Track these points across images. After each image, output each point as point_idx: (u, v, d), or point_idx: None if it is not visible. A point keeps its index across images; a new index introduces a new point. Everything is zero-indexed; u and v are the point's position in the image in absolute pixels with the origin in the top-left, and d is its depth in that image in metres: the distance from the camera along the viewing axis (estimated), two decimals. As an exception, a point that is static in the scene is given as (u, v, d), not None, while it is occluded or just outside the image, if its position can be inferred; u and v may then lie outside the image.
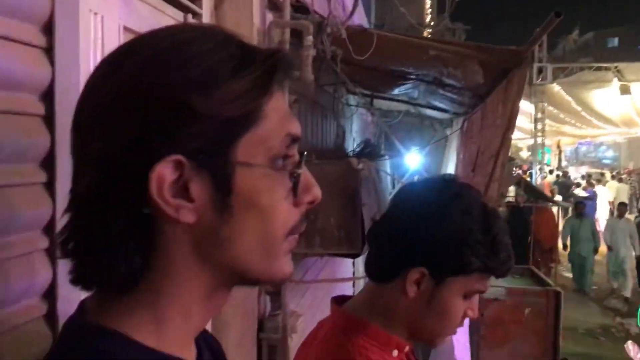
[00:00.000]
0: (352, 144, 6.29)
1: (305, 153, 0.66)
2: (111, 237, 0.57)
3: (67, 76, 1.03)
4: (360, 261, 5.43)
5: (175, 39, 0.60)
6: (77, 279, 0.60)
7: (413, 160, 7.37)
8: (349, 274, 4.97)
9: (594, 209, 12.84)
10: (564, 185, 15.61)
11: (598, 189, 15.00)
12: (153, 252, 0.59)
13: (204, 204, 0.58)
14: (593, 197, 13.61)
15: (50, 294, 1.04)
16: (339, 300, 1.15)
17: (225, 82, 0.58)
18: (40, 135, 1.01)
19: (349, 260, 4.78)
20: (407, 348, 1.09)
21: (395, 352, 1.06)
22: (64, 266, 1.03)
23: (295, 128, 0.63)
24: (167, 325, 0.61)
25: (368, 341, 1.04)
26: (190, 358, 0.65)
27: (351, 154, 4.75)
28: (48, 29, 1.01)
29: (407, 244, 1.04)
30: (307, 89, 3.26)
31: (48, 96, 1.02)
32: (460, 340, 4.46)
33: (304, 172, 0.64)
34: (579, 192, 14.02)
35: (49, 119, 1.02)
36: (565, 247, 10.43)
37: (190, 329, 0.64)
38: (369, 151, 5.29)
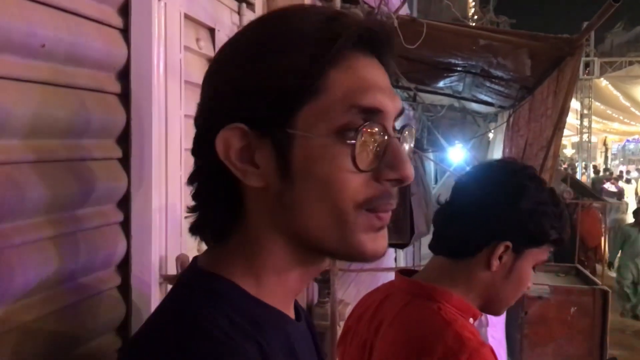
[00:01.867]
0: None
1: (398, 128, 0.66)
2: (207, 194, 0.66)
3: (141, 56, 1.07)
4: (402, 252, 5.42)
5: (264, 19, 0.68)
6: (191, 229, 0.69)
7: (456, 155, 7.31)
8: (392, 265, 4.96)
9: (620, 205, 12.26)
10: (598, 180, 15.18)
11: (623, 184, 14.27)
12: (242, 211, 0.66)
13: (269, 171, 0.62)
14: (621, 193, 13.08)
15: (124, 266, 1.08)
16: (405, 274, 1.22)
17: (284, 56, 0.61)
18: (117, 113, 1.05)
19: (391, 251, 4.77)
20: (478, 318, 1.16)
21: (471, 320, 1.13)
22: (137, 240, 1.10)
23: (370, 99, 0.63)
24: (264, 280, 0.66)
25: (450, 307, 1.09)
26: (288, 311, 0.69)
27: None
28: (124, 10, 1.05)
29: (491, 221, 1.10)
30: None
31: (124, 75, 1.06)
32: (496, 336, 4.39)
33: (393, 148, 0.64)
34: (608, 186, 13.47)
35: (125, 97, 1.06)
36: (611, 265, 8.98)
37: (286, 291, 0.68)
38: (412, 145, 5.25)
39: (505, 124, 5.91)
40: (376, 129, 0.63)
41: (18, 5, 0.81)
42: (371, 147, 0.63)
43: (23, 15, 0.81)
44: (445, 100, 6.90)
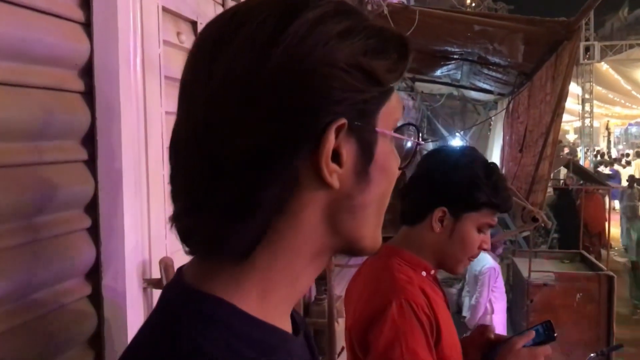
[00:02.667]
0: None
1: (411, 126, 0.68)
2: (254, 202, 0.55)
3: (105, 52, 1.01)
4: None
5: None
6: (196, 247, 0.58)
7: (456, 144, 7.23)
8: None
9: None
10: (596, 164, 15.07)
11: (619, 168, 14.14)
12: (279, 217, 0.58)
13: (349, 170, 0.59)
14: (615, 176, 13.00)
15: (94, 274, 1.02)
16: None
17: (388, 53, 0.59)
18: (81, 112, 0.99)
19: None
20: (433, 271, 1.38)
21: (423, 273, 1.35)
22: (107, 246, 1.04)
23: (403, 103, 0.65)
24: (273, 293, 0.60)
25: (402, 262, 1.33)
26: (288, 327, 0.64)
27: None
28: (86, 3, 0.99)
29: (430, 190, 1.36)
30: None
31: (88, 72, 1.00)
32: (499, 323, 4.38)
33: (401, 144, 0.65)
34: (602, 169, 13.37)
35: (88, 96, 1.00)
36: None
37: (292, 297, 0.63)
38: (411, 135, 5.19)
39: (504, 111, 5.83)
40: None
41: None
42: (403, 145, 0.65)
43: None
44: (444, 89, 6.83)
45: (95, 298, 1.02)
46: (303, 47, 0.55)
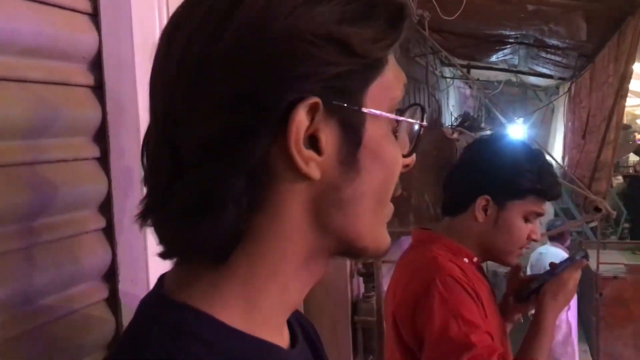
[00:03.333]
0: (449, 118, 6.04)
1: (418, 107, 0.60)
2: (218, 198, 0.48)
3: (114, 44, 0.96)
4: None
5: None
6: (169, 250, 0.53)
7: (516, 133, 6.98)
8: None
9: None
10: None
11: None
12: (255, 216, 0.51)
13: (331, 158, 0.51)
14: None
15: (111, 277, 0.98)
16: None
17: (373, 20, 0.51)
18: (91, 107, 0.94)
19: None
20: (475, 259, 1.35)
21: (465, 260, 1.32)
22: (123, 248, 0.99)
23: (405, 79, 0.57)
24: (260, 302, 0.53)
25: (442, 248, 1.31)
26: (282, 340, 0.58)
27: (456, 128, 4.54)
28: (91, -8, 0.95)
29: (473, 179, 1.35)
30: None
31: (97, 65, 0.95)
32: (572, 319, 4.19)
33: (415, 131, 0.59)
34: None
35: (98, 90, 0.95)
36: None
37: (284, 307, 0.57)
38: (468, 125, 5.04)
39: (566, 97, 5.55)
40: (408, 109, 0.58)
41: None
42: (412, 127, 0.58)
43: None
44: (502, 76, 6.57)
45: (113, 302, 0.98)
46: (259, 20, 0.48)
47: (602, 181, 2.80)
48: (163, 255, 0.53)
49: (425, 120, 0.59)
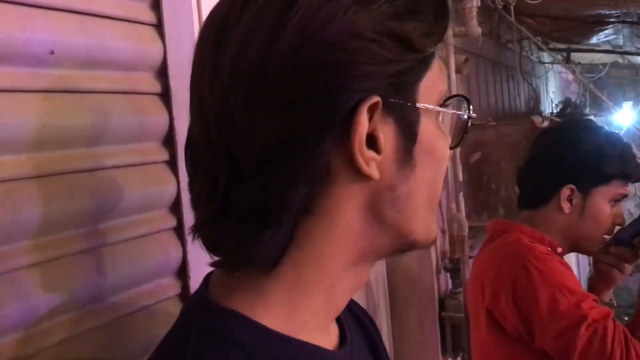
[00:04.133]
0: (549, 105, 5.75)
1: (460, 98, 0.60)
2: (280, 205, 0.48)
3: (178, 52, 1.00)
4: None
5: None
6: (225, 260, 0.53)
7: (626, 118, 6.52)
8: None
9: None
10: None
11: None
12: (307, 220, 0.50)
13: (389, 157, 0.51)
14: None
15: (182, 273, 1.03)
16: None
17: (423, 15, 0.51)
18: (159, 113, 1.00)
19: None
20: (559, 249, 1.32)
21: (549, 249, 1.29)
22: (192, 247, 1.04)
23: (446, 71, 0.57)
24: (305, 304, 0.53)
25: (524, 236, 1.29)
26: (328, 341, 0.57)
27: (548, 116, 4.32)
28: (156, 5, 1.00)
29: (554, 169, 1.32)
30: (478, 46, 3.00)
31: (163, 73, 1.00)
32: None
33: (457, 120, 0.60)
34: None
35: (165, 96, 1.00)
36: None
37: (330, 308, 0.56)
38: (570, 111, 4.78)
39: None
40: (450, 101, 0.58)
41: (16, 13, 0.77)
42: (461, 119, 0.59)
43: (22, 23, 0.77)
44: (607, 58, 6.16)
45: (184, 298, 1.03)
46: (317, 20, 0.46)
47: None
48: (217, 265, 0.54)
49: (471, 111, 0.59)
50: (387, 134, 0.50)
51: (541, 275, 1.19)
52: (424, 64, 0.52)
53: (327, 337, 0.57)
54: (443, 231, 2.35)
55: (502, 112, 3.75)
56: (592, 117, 5.54)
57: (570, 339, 1.13)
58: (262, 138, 0.47)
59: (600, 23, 3.66)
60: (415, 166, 0.52)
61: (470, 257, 2.34)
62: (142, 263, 0.95)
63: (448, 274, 2.34)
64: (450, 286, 2.37)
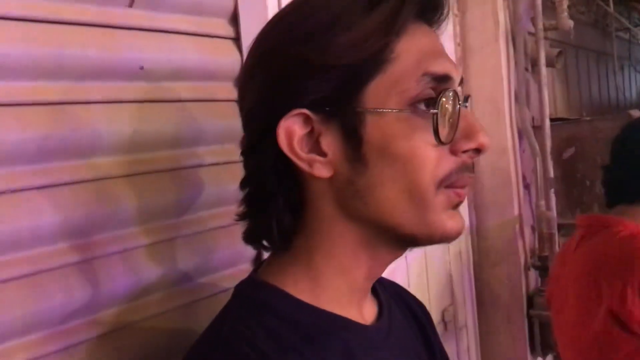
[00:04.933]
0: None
1: (462, 94, 0.62)
2: (263, 195, 0.61)
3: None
4: None
5: None
6: (246, 238, 0.68)
7: None
8: None
9: None
10: None
11: None
12: (304, 210, 0.62)
13: (338, 156, 0.58)
14: None
15: (257, 260, 1.14)
16: None
17: (344, 29, 0.57)
18: (237, 118, 1.10)
19: None
20: None
21: None
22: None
23: (439, 66, 0.59)
24: (324, 282, 0.62)
25: (625, 229, 1.28)
26: (359, 316, 0.65)
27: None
28: (234, 19, 1.11)
29: None
30: (579, 37, 2.90)
31: (240, 81, 1.11)
32: None
33: (467, 117, 0.60)
34: None
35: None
36: None
37: (353, 287, 0.64)
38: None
39: None
40: (449, 97, 0.59)
41: (108, 34, 0.89)
42: (446, 118, 0.59)
43: (116, 41, 0.90)
44: None
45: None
46: (272, 43, 0.61)
47: None
48: (245, 241, 0.68)
49: (458, 105, 0.59)
50: (331, 138, 0.58)
51: None
52: (372, 66, 0.57)
53: (357, 313, 0.65)
54: (533, 228, 2.32)
55: (607, 106, 3.57)
56: None
57: None
58: (247, 139, 0.64)
59: None
60: (368, 164, 0.58)
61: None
62: (226, 250, 1.07)
63: (537, 272, 2.30)
64: (539, 284, 2.33)
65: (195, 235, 1.03)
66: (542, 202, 2.23)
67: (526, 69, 2.29)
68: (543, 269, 2.21)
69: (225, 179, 1.08)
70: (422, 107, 0.57)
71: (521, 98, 2.22)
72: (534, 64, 2.28)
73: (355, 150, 0.57)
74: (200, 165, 1.05)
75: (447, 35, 2.18)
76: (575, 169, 2.35)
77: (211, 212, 1.06)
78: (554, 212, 2.22)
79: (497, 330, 2.28)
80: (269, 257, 0.67)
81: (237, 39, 1.11)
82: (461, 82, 0.63)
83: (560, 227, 2.37)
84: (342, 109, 0.57)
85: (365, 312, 0.68)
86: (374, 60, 0.57)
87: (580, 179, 2.32)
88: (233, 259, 1.10)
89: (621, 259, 1.24)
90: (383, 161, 0.57)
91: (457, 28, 2.21)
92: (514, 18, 2.19)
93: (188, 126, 1.01)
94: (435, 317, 2.05)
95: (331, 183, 0.59)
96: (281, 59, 0.58)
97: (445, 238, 0.61)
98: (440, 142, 0.57)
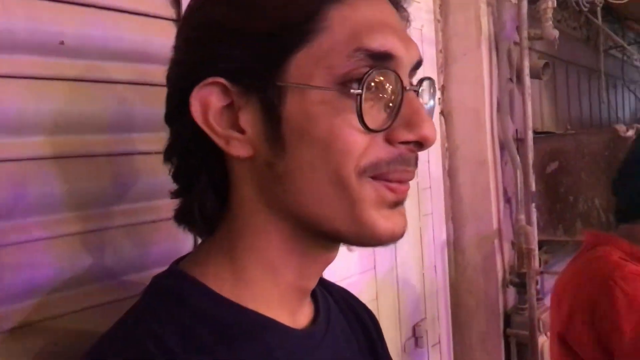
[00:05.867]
0: (661, 119, 5.32)
1: (412, 80, 0.55)
2: (187, 170, 0.57)
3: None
4: None
5: None
6: (175, 218, 0.62)
7: None
8: None
9: None
10: None
11: None
12: (229, 193, 0.57)
13: (257, 135, 0.52)
14: None
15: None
16: None
17: None
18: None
19: None
20: None
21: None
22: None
23: (378, 42, 0.51)
24: (247, 278, 0.56)
25: (617, 251, 1.18)
26: (290, 319, 0.58)
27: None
28: (176, 1, 1.04)
29: None
30: (570, 53, 2.84)
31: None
32: None
33: (410, 103, 0.52)
34: None
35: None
36: None
37: (283, 287, 0.57)
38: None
39: None
40: (389, 78, 0.51)
41: (26, 5, 0.82)
42: (383, 102, 0.52)
43: (30, 14, 0.83)
44: None
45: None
46: (189, 9, 0.57)
47: None
48: (176, 221, 0.61)
49: (401, 89, 0.52)
50: (250, 114, 0.51)
51: (627, 299, 1.05)
52: (291, 37, 0.50)
53: (288, 316, 0.58)
54: (513, 244, 2.24)
55: (593, 124, 3.51)
56: None
57: None
58: (166, 105, 0.60)
59: None
60: (287, 146, 0.51)
61: (542, 272, 2.22)
62: (158, 246, 0.99)
63: (514, 289, 2.22)
64: (517, 302, 2.25)
65: (127, 228, 0.95)
66: (522, 217, 2.16)
67: (510, 80, 2.23)
68: (521, 286, 2.13)
69: (162, 169, 1.00)
70: (355, 86, 0.50)
71: (503, 108, 2.16)
72: (519, 74, 2.22)
73: (274, 129, 0.51)
74: (134, 153, 0.97)
75: (429, 42, 2.12)
76: (558, 184, 2.28)
77: (145, 204, 0.98)
78: (534, 227, 2.14)
79: (472, 349, 2.20)
80: (198, 245, 0.62)
81: (178, 21, 1.04)
82: (418, 66, 0.55)
83: (541, 243, 2.29)
84: (262, 82, 0.51)
85: (300, 317, 0.61)
86: (299, 29, 0.50)
87: (563, 194, 2.25)
88: (169, 255, 1.01)
89: (581, 281, 1.16)
90: (302, 144, 0.51)
91: (440, 34, 2.15)
92: (498, 25, 2.13)
93: (120, 110, 0.94)
94: (407, 332, 1.96)
95: (252, 165, 0.53)
96: (199, 20, 0.54)
97: (377, 240, 0.54)
98: (365, 127, 0.50)
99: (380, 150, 0.51)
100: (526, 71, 2.14)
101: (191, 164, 0.56)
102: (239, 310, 0.54)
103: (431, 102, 0.60)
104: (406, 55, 0.53)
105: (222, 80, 0.51)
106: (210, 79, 0.51)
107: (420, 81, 0.56)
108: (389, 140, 0.52)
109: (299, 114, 0.50)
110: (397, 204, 0.54)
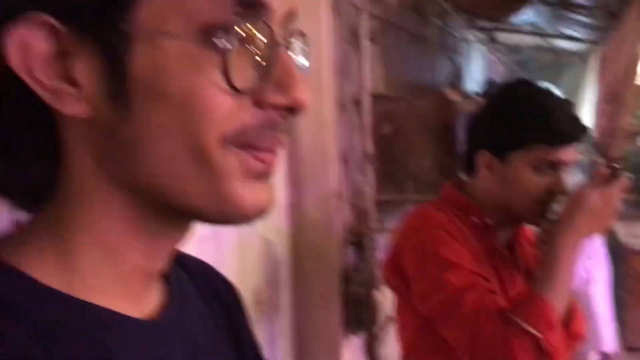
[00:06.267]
0: (472, 84, 5.82)
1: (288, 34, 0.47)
2: (4, 131, 0.45)
3: None
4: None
5: None
6: None
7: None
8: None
9: None
10: None
11: None
12: (60, 162, 0.46)
13: (96, 91, 0.42)
14: None
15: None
16: None
17: None
18: None
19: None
20: (488, 220, 1.24)
21: (475, 219, 1.23)
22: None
23: None
24: (80, 263, 0.46)
25: (446, 203, 1.27)
26: (134, 309, 0.49)
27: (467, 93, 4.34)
28: None
29: (470, 135, 1.30)
30: (400, 18, 2.94)
31: None
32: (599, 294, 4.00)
33: (282, 62, 0.44)
34: None
35: None
36: None
37: (126, 273, 0.48)
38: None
39: (597, 62, 5.28)
40: (259, 31, 0.43)
41: None
42: (251, 58, 0.43)
43: None
44: (531, 40, 6.30)
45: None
46: None
47: (617, 147, 2.63)
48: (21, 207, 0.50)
49: (275, 44, 0.44)
50: (87, 65, 0.42)
51: (418, 236, 1.20)
52: None
53: (132, 305, 0.49)
54: (351, 204, 2.30)
55: (421, 88, 3.73)
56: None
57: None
58: None
59: (521, 1, 3.69)
60: (133, 106, 0.42)
61: (377, 230, 2.30)
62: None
63: (353, 248, 2.29)
64: (356, 260, 2.32)
65: None
66: (359, 177, 2.21)
67: (347, 42, 2.24)
68: (359, 246, 2.19)
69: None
70: (219, 37, 0.42)
71: (342, 70, 2.17)
72: (356, 37, 2.24)
73: (117, 85, 0.42)
74: None
75: None
76: (392, 146, 2.36)
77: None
78: (371, 188, 2.20)
79: (312, 310, 2.23)
80: (19, 224, 0.50)
81: None
82: (292, 18, 0.47)
83: (378, 203, 2.38)
84: (101, 25, 0.41)
85: (148, 304, 0.52)
86: None
87: (396, 156, 2.34)
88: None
89: (400, 232, 1.30)
90: (153, 105, 0.42)
91: (279, -8, 2.08)
92: (337, -14, 2.12)
93: None
94: (248, 297, 1.93)
95: (91, 128, 0.43)
96: None
97: (242, 217, 0.46)
98: (232, 87, 0.42)
99: (247, 115, 0.44)
100: (363, 34, 2.16)
101: (9, 122, 0.44)
102: (69, 303, 0.44)
103: (305, 62, 0.53)
104: (280, 5, 0.45)
105: (49, 19, 0.40)
106: (32, 15, 0.40)
107: (295, 36, 0.49)
108: (258, 104, 0.44)
109: (149, 68, 0.41)
110: (265, 175, 0.47)
